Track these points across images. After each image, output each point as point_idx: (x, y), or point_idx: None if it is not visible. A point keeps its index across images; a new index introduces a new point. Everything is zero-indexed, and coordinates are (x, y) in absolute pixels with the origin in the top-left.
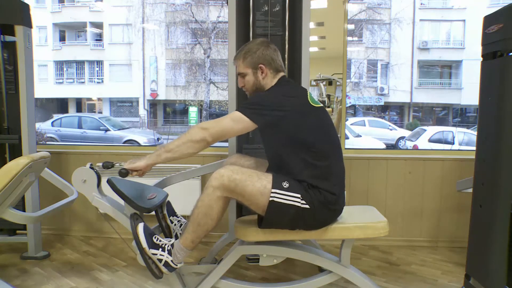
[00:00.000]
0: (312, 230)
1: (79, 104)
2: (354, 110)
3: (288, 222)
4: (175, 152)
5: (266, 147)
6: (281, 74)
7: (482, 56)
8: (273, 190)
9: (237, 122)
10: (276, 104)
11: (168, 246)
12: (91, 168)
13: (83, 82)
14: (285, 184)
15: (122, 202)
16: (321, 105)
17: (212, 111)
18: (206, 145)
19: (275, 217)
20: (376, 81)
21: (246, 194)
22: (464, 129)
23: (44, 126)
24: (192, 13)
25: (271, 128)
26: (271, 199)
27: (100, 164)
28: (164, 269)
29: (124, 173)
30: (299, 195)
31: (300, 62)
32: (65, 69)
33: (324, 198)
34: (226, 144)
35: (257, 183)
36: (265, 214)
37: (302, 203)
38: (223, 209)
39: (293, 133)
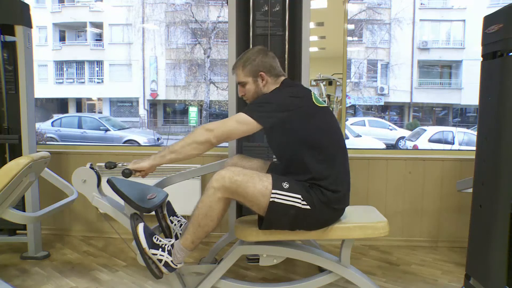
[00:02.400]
0: (312, 230)
1: (79, 104)
2: (354, 110)
3: (288, 223)
4: (180, 153)
5: (273, 147)
6: (282, 78)
7: (482, 56)
8: (273, 191)
9: (242, 123)
10: (282, 105)
11: (168, 247)
12: (91, 168)
13: (83, 82)
14: (285, 185)
15: (122, 202)
16: (326, 105)
17: (212, 111)
18: (210, 146)
19: (275, 217)
20: (376, 81)
21: (247, 196)
22: (464, 129)
23: (44, 126)
24: (192, 13)
25: (277, 129)
26: (271, 199)
27: (102, 164)
28: (164, 269)
29: (128, 173)
30: (299, 196)
31: (300, 62)
32: (65, 69)
33: (326, 198)
34: (226, 144)
35: (259, 185)
36: (265, 215)
37: (302, 204)
38: (223, 211)
39: (299, 134)
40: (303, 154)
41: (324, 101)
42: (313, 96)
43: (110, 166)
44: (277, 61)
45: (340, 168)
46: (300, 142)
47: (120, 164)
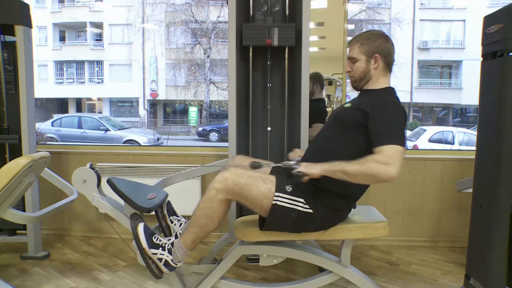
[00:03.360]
0: (312, 232)
1: (79, 104)
2: None
3: (289, 226)
4: (351, 177)
5: (335, 142)
6: (389, 76)
7: (482, 56)
8: (276, 194)
9: (403, 153)
10: (405, 121)
11: (168, 245)
12: (91, 168)
13: (83, 82)
14: (289, 188)
15: (122, 202)
16: None
17: (212, 111)
18: (383, 182)
19: (277, 220)
20: None
21: (250, 198)
22: (464, 129)
23: (44, 126)
24: (192, 13)
25: (362, 131)
26: (274, 202)
27: (103, 164)
28: (164, 269)
29: (300, 176)
30: (302, 199)
31: (300, 62)
32: (65, 69)
33: (332, 203)
34: (226, 144)
35: (262, 187)
36: (268, 217)
37: (304, 208)
38: (225, 212)
39: (369, 144)
40: (353, 158)
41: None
42: None
43: (257, 166)
44: (395, 52)
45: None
46: (364, 151)
47: (265, 164)
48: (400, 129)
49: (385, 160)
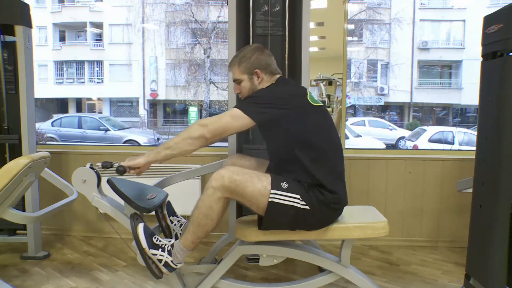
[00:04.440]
0: (312, 230)
1: (79, 104)
2: (354, 110)
3: (287, 223)
4: (174, 149)
5: (267, 145)
6: (278, 76)
7: (482, 56)
8: (272, 191)
9: (236, 118)
10: (276, 101)
11: (168, 247)
12: (91, 168)
13: (83, 82)
14: (284, 185)
15: (122, 202)
16: (321, 104)
17: (212, 111)
18: (205, 142)
19: (274, 217)
20: (376, 81)
21: (246, 195)
22: (464, 129)
23: (44, 126)
24: (192, 13)
25: (270, 125)
26: (270, 199)
27: (100, 164)
28: (164, 269)
29: (122, 170)
30: (298, 196)
31: (300, 62)
32: (65, 69)
33: (325, 198)
34: (226, 144)
35: (258, 184)
36: (265, 215)
37: (301, 204)
38: (223, 210)
39: (293, 132)
40: (295, 153)
41: (324, 101)
42: (308, 95)
43: (107, 165)
44: (273, 59)
45: (334, 168)
46: (293, 141)
47: (116, 164)
48: (254, 99)
49: (204, 122)
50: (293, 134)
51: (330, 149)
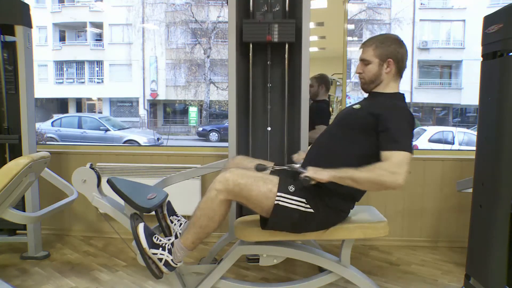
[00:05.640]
0: (314, 232)
1: (79, 104)
2: None
3: (291, 226)
4: (359, 184)
5: (342, 145)
6: (399, 81)
7: (482, 56)
8: (279, 194)
9: (407, 161)
10: (413, 128)
11: (168, 245)
12: (91, 168)
13: (83, 82)
14: (291, 188)
15: (122, 202)
16: None
17: (212, 111)
18: (391, 189)
19: (279, 220)
20: None
21: (251, 198)
22: (464, 129)
23: (44, 126)
24: (192, 13)
25: (366, 137)
26: (276, 202)
27: (102, 164)
28: (164, 269)
29: (308, 181)
30: (303, 200)
31: (300, 62)
32: (65, 69)
33: (333, 203)
34: (226, 144)
35: (263, 188)
36: (270, 217)
37: (306, 207)
38: (225, 212)
39: (374, 152)
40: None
41: None
42: None
43: (263, 168)
44: (407, 58)
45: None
46: (362, 158)
47: (270, 167)
48: (408, 135)
49: (392, 168)
50: (374, 149)
51: None
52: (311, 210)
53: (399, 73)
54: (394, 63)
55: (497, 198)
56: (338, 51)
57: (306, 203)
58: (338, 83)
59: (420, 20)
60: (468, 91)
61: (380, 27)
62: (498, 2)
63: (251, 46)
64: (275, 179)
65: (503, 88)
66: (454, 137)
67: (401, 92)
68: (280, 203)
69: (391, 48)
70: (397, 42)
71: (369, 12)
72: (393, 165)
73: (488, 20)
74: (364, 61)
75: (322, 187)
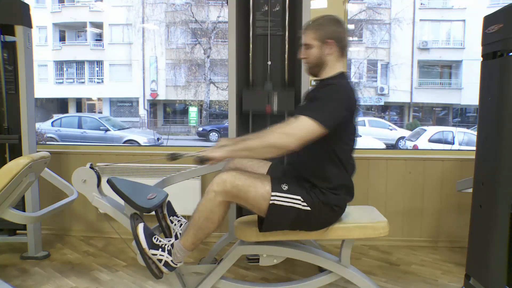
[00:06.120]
0: (313, 231)
1: (79, 104)
2: None
3: (288, 224)
4: (255, 153)
5: (307, 153)
6: (344, 60)
7: (482, 56)
8: (273, 193)
9: (311, 126)
10: (346, 104)
11: (168, 246)
12: (91, 168)
13: (83, 82)
14: (284, 187)
15: (122, 202)
16: None
17: (212, 111)
18: (286, 152)
19: (275, 219)
20: (376, 81)
21: (249, 199)
22: (464, 129)
23: (44, 126)
24: (192, 13)
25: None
26: (271, 202)
27: (103, 164)
28: (164, 269)
29: (205, 160)
30: (299, 197)
31: (300, 62)
32: (65, 69)
33: (327, 199)
34: None
35: (260, 188)
36: (266, 217)
37: (303, 205)
38: (224, 213)
39: (345, 138)
40: (335, 161)
41: None
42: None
43: (176, 157)
44: (348, 36)
45: (351, 175)
46: (341, 149)
47: (185, 154)
48: (328, 109)
49: (288, 130)
50: (344, 141)
51: (351, 159)
52: (308, 208)
53: (342, 52)
54: (335, 43)
55: (497, 198)
56: None
57: (302, 201)
58: None
59: (420, 20)
60: (468, 91)
61: (380, 27)
62: (498, 2)
63: (251, 45)
64: (269, 178)
65: (503, 88)
66: (454, 137)
67: (343, 71)
68: (276, 202)
69: (330, 29)
70: (335, 22)
71: (369, 12)
72: (289, 127)
73: (488, 20)
74: (305, 46)
75: (310, 182)
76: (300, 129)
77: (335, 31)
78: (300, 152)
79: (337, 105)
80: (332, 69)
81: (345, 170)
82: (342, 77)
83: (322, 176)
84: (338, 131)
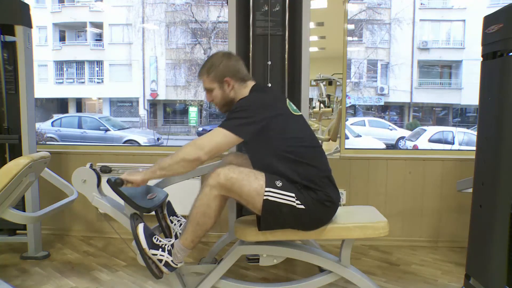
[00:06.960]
0: (309, 230)
1: (79, 104)
2: (354, 110)
3: (283, 221)
4: (169, 170)
5: (253, 158)
6: (251, 82)
7: (482, 56)
8: (267, 189)
9: (227, 137)
10: (259, 112)
11: (168, 246)
12: (91, 168)
13: (83, 82)
14: (279, 183)
15: (122, 202)
16: (301, 113)
17: (212, 111)
18: (200, 164)
19: (270, 216)
20: (376, 81)
21: (243, 194)
22: (464, 129)
23: (44, 126)
24: (192, 13)
25: (257, 137)
26: (265, 197)
27: (103, 164)
28: (164, 269)
29: (119, 183)
30: (293, 194)
31: (300, 62)
32: (65, 69)
33: (318, 197)
34: None
35: (254, 183)
36: (261, 214)
37: (297, 203)
38: (221, 208)
39: (278, 140)
40: (283, 161)
41: (324, 101)
42: (287, 103)
43: (106, 170)
44: (242, 63)
45: (322, 168)
46: (279, 148)
47: (114, 177)
48: (238, 117)
49: (198, 143)
50: (278, 143)
51: (315, 152)
52: (302, 206)
53: (243, 80)
54: (232, 77)
55: (497, 198)
56: (338, 51)
57: (296, 199)
58: (338, 83)
59: (420, 20)
60: (468, 91)
61: (380, 27)
62: (498, 2)
63: (251, 45)
64: (264, 175)
65: (503, 88)
66: (454, 137)
67: (253, 83)
68: (270, 198)
69: (220, 67)
70: (224, 57)
71: (369, 12)
72: (200, 140)
73: (488, 20)
74: (207, 90)
75: (298, 182)
76: (209, 140)
77: (227, 66)
78: (254, 158)
79: (248, 112)
80: (241, 96)
81: (311, 166)
82: (253, 90)
83: (290, 176)
84: (270, 133)
